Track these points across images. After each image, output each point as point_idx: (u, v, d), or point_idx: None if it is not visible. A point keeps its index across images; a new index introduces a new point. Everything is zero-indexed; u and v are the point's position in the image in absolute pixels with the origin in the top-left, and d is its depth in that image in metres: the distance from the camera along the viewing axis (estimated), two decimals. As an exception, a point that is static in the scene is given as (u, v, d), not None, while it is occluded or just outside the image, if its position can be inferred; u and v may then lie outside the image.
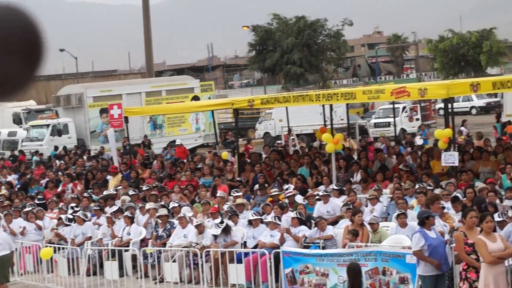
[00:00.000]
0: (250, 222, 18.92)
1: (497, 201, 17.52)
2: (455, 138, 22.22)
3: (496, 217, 14.99)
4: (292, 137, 33.18)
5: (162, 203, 22.06)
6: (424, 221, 14.24)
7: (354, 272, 13.12)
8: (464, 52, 77.87)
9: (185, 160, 30.15)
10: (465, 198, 18.00)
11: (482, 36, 78.22)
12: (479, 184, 19.42)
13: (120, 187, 25.75)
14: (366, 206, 19.52)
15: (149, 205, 21.66)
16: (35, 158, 40.21)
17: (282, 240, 17.72)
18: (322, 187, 21.85)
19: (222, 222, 18.76)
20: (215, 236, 18.58)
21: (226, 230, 18.65)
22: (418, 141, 33.25)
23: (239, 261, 17.87)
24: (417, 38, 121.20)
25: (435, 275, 14.13)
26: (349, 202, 19.25)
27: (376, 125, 49.43)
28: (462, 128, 38.18)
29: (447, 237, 15.13)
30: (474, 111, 63.81)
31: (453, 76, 75.32)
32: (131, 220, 20.78)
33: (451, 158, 20.65)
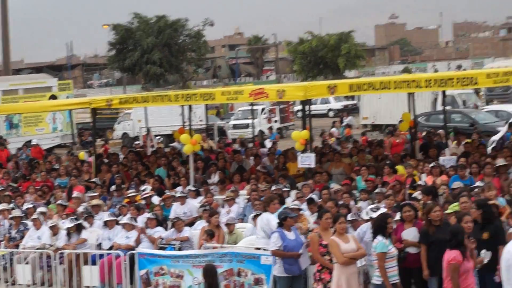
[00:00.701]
0: (105, 223, 18.72)
1: (352, 202, 17.87)
2: (312, 140, 22.56)
3: (349, 216, 15.29)
4: (150, 138, 32.93)
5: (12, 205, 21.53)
6: (282, 222, 14.39)
7: (209, 273, 13.09)
8: (323, 54, 79.04)
9: (40, 161, 29.44)
10: (320, 200, 18.26)
11: (340, 39, 79.53)
12: (334, 186, 19.77)
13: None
14: (223, 207, 19.58)
15: (2, 206, 21.09)
16: None
17: (138, 241, 17.59)
18: (179, 188, 21.75)
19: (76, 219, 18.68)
20: (69, 237, 18.34)
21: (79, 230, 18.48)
22: (268, 144, 33.52)
23: (94, 262, 17.64)
24: (277, 40, 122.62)
25: (291, 276, 14.26)
26: (206, 203, 19.27)
27: (235, 127, 49.73)
28: (334, 129, 39.07)
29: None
30: (331, 113, 64.96)
31: (312, 78, 76.41)
32: (-17, 222, 20.20)
33: (307, 160, 20.97)
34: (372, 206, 15.21)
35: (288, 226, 14.38)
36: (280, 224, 14.41)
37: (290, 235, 14.33)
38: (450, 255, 11.74)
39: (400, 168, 20.54)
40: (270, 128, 43.27)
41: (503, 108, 39.04)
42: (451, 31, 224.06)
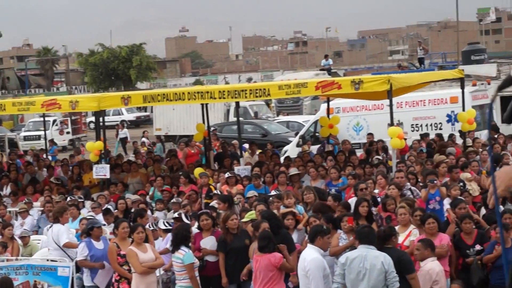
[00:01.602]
0: None
1: (149, 212, 17.81)
2: (106, 151, 22.37)
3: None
4: None
5: None
6: (89, 232, 14.21)
7: (5, 286, 12.69)
8: (114, 66, 78.47)
9: None
10: (116, 210, 18.09)
11: (132, 51, 79.28)
12: (130, 196, 19.65)
13: None
14: (16, 219, 19.04)
15: None
16: None
17: None
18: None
19: None
20: None
21: None
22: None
23: None
24: (68, 52, 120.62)
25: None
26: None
27: (26, 138, 48.43)
28: (144, 139, 38.93)
29: None
30: (124, 125, 64.55)
31: (104, 89, 75.60)
32: None
33: (102, 171, 20.83)
34: (176, 215, 15.29)
35: (96, 236, 14.22)
36: (88, 234, 14.21)
37: (98, 245, 14.16)
38: (276, 258, 11.92)
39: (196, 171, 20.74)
40: (52, 141, 42.15)
41: (294, 119, 40.23)
42: (241, 45, 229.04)
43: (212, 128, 35.00)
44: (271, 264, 11.90)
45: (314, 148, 26.15)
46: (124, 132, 44.09)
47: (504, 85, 2.87)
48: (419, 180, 17.55)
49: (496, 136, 23.73)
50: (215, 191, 18.47)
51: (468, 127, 21.88)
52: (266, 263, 11.93)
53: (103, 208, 17.98)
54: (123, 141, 42.92)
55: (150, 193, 20.33)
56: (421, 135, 25.57)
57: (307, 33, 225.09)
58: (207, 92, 21.28)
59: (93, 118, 24.07)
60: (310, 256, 11.30)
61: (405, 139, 19.94)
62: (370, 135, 25.78)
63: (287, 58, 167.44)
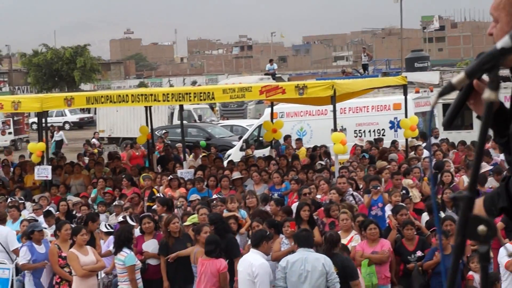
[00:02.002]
0: None
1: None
2: (48, 152, 22.17)
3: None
4: None
5: None
6: (30, 235, 14.07)
7: None
8: (58, 67, 77.75)
9: None
10: (58, 212, 17.92)
11: (76, 52, 78.66)
12: (72, 198, 19.50)
13: None
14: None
15: None
16: None
17: None
18: None
19: None
20: None
21: None
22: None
23: None
24: (11, 52, 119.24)
25: None
26: None
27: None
28: (94, 140, 38.72)
29: None
30: (67, 126, 64.15)
31: (47, 90, 74.81)
32: None
33: (44, 172, 20.64)
34: (121, 218, 15.20)
35: (37, 240, 14.08)
36: (29, 237, 14.09)
37: (40, 249, 14.03)
38: (222, 264, 11.90)
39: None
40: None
41: (238, 123, 40.28)
42: (186, 48, 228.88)
43: (163, 131, 35.00)
44: (217, 269, 11.88)
45: (257, 152, 26.22)
46: (59, 135, 43.64)
47: (444, 92, 2.88)
48: (359, 186, 17.73)
49: (438, 142, 24.08)
50: (157, 194, 18.40)
51: (411, 133, 22.12)
52: (211, 269, 11.89)
53: (44, 210, 17.79)
54: (58, 144, 42.42)
55: (92, 195, 20.17)
56: (375, 139, 25.79)
57: (252, 38, 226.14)
58: (151, 95, 21.24)
59: (35, 119, 23.79)
60: (258, 261, 11.28)
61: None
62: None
63: (232, 62, 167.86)
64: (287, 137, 25.77)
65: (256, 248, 11.54)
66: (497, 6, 3.92)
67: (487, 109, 2.69)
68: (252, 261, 11.26)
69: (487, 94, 2.68)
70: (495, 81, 2.69)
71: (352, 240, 13.18)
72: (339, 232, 13.02)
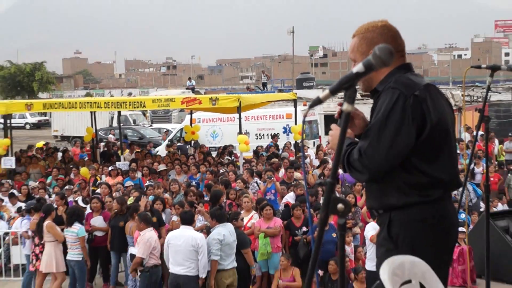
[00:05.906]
0: None
1: (46, 196, 17.41)
2: (12, 148, 21.81)
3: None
4: None
5: None
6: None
7: None
8: (20, 79, 76.37)
9: None
10: (20, 194, 17.63)
11: (35, 67, 77.47)
12: (32, 184, 19.20)
13: None
14: None
15: None
16: None
17: None
18: None
19: None
20: None
21: None
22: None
23: None
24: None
25: None
26: None
27: None
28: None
29: None
30: (28, 126, 63.26)
31: (11, 98, 73.20)
32: None
33: (9, 162, 20.36)
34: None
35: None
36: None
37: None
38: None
39: (84, 170, 20.36)
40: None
41: (165, 126, 40.03)
42: (124, 66, 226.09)
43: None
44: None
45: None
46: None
47: (313, 104, 3.10)
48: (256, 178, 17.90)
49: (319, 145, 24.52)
50: (100, 181, 18.31)
51: (299, 137, 22.39)
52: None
53: (9, 192, 17.50)
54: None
55: (48, 181, 19.90)
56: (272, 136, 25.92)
57: (176, 59, 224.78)
58: (95, 103, 21.20)
59: (1, 120, 23.36)
60: (198, 235, 11.17)
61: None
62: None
63: (160, 78, 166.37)
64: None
65: (188, 225, 11.50)
66: (352, 50, 4.22)
67: (344, 117, 2.82)
68: (193, 235, 11.15)
69: (345, 106, 2.80)
70: (352, 97, 2.80)
71: (252, 218, 13.32)
72: (242, 212, 13.18)
